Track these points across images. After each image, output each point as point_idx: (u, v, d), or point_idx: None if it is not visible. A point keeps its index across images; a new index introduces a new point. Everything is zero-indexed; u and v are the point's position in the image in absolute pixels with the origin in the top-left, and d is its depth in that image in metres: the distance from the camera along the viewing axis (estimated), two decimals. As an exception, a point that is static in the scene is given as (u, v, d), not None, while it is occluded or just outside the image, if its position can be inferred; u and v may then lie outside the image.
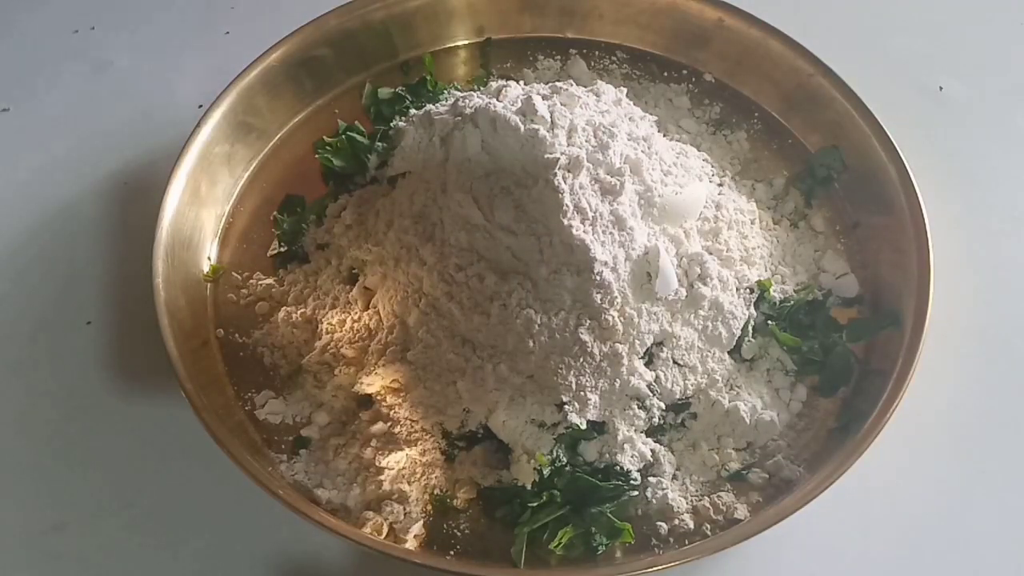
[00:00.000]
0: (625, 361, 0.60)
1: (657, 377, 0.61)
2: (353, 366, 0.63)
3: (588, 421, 0.60)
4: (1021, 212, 0.74)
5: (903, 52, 0.81)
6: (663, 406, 0.62)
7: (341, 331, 0.64)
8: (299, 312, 0.65)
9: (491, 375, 0.60)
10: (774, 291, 0.66)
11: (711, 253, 0.64)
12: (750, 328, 0.64)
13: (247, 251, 0.70)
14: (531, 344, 0.59)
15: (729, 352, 0.64)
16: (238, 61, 0.71)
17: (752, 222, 0.68)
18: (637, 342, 0.61)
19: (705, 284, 0.62)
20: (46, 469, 0.63)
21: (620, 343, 0.60)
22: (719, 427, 0.62)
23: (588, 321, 0.59)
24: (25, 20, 0.82)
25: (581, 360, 0.59)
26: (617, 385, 0.60)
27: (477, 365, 0.60)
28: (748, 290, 0.64)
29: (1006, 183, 0.75)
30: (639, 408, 0.61)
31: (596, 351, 0.59)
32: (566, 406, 0.59)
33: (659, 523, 0.59)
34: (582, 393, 0.59)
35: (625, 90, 0.70)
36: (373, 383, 0.61)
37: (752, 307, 0.64)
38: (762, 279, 0.65)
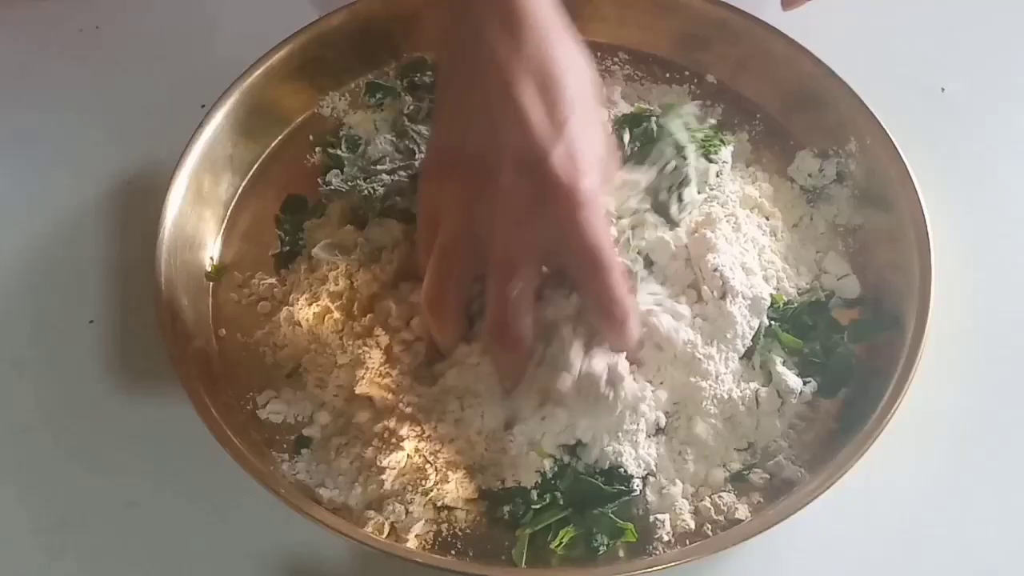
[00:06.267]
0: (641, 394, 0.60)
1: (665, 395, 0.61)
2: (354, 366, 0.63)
3: None
4: (1023, 213, 0.74)
5: (905, 54, 0.81)
6: (668, 412, 0.62)
7: (342, 331, 0.64)
8: (301, 312, 0.65)
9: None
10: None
11: (731, 268, 0.64)
12: (760, 337, 0.64)
13: (249, 251, 0.69)
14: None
15: (732, 354, 0.64)
16: (241, 61, 0.71)
17: (760, 226, 0.68)
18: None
19: (725, 301, 0.62)
20: (47, 468, 0.63)
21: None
22: (721, 428, 0.62)
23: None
24: (30, 19, 0.82)
25: None
26: (627, 414, 0.60)
27: (458, 417, 0.61)
28: (760, 299, 0.64)
29: (1008, 184, 0.75)
30: (644, 421, 0.61)
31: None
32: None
33: (660, 523, 0.59)
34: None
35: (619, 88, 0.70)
36: (369, 385, 0.61)
37: (764, 316, 0.64)
38: (774, 293, 0.65)
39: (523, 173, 0.55)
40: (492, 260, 0.56)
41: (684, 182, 0.65)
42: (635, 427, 0.59)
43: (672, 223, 0.65)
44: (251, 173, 0.72)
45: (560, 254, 0.56)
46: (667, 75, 0.77)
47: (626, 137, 0.66)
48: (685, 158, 0.65)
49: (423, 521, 0.59)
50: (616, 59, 0.78)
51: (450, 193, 0.58)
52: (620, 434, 0.59)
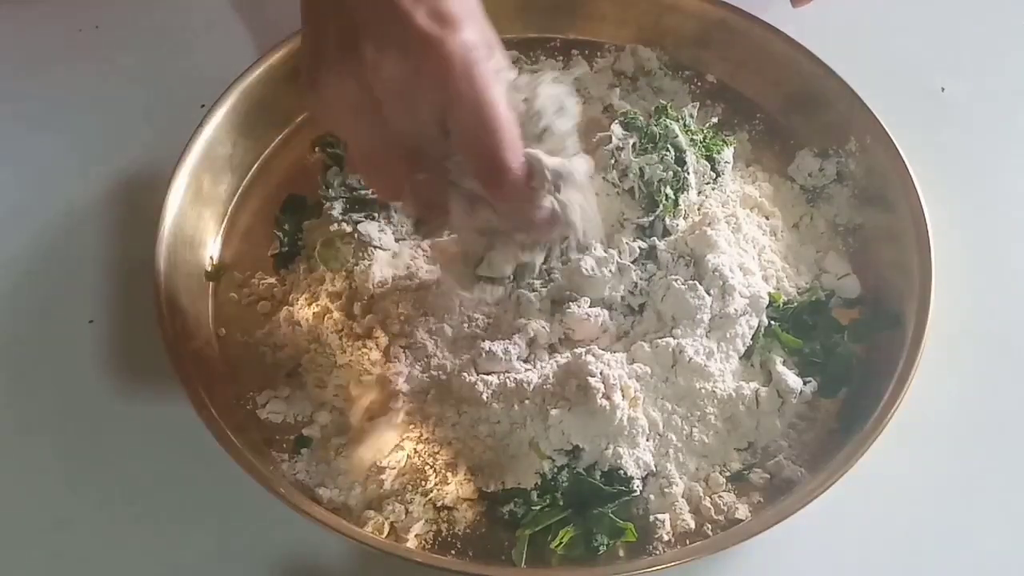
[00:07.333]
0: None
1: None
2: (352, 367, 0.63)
3: None
4: (1023, 213, 0.74)
5: (905, 53, 0.81)
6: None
7: (342, 331, 0.64)
8: (300, 312, 0.65)
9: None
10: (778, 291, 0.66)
11: (730, 268, 0.64)
12: (760, 336, 0.64)
13: (249, 251, 0.70)
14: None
15: (732, 354, 0.64)
16: (240, 61, 0.71)
17: (761, 226, 0.68)
18: None
19: (726, 303, 0.62)
20: (47, 468, 0.63)
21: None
22: (721, 427, 0.62)
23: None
24: (29, 19, 0.82)
25: None
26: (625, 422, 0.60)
27: (455, 422, 0.61)
28: (759, 298, 0.64)
29: (1008, 184, 0.75)
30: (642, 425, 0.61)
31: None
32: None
33: (660, 523, 0.59)
34: None
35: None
36: (368, 387, 0.61)
37: (763, 315, 0.64)
38: (773, 292, 0.65)
39: (386, 44, 0.50)
40: (386, 140, 0.52)
41: (683, 187, 0.65)
42: (635, 432, 0.59)
43: (666, 233, 0.65)
44: (251, 173, 0.72)
45: (448, 119, 0.51)
46: (667, 75, 0.77)
47: (632, 140, 0.66)
48: (684, 162, 0.65)
49: (423, 521, 0.59)
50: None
51: (332, 90, 0.52)
52: (619, 438, 0.59)
